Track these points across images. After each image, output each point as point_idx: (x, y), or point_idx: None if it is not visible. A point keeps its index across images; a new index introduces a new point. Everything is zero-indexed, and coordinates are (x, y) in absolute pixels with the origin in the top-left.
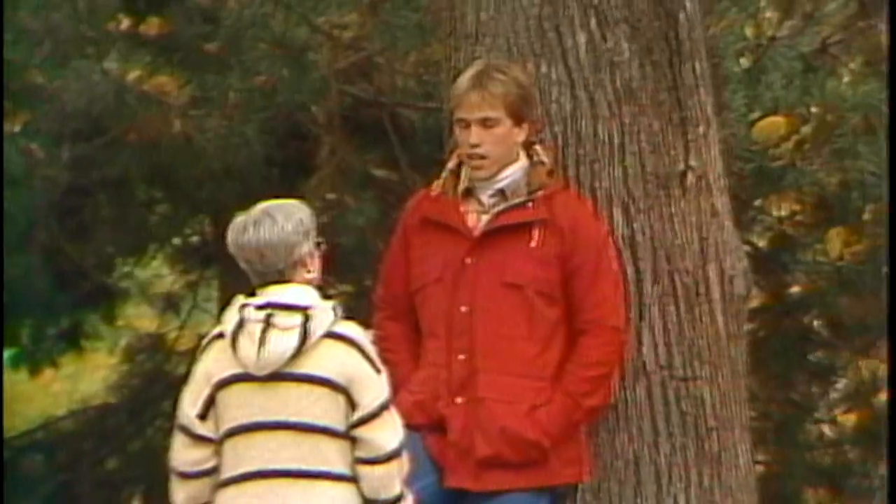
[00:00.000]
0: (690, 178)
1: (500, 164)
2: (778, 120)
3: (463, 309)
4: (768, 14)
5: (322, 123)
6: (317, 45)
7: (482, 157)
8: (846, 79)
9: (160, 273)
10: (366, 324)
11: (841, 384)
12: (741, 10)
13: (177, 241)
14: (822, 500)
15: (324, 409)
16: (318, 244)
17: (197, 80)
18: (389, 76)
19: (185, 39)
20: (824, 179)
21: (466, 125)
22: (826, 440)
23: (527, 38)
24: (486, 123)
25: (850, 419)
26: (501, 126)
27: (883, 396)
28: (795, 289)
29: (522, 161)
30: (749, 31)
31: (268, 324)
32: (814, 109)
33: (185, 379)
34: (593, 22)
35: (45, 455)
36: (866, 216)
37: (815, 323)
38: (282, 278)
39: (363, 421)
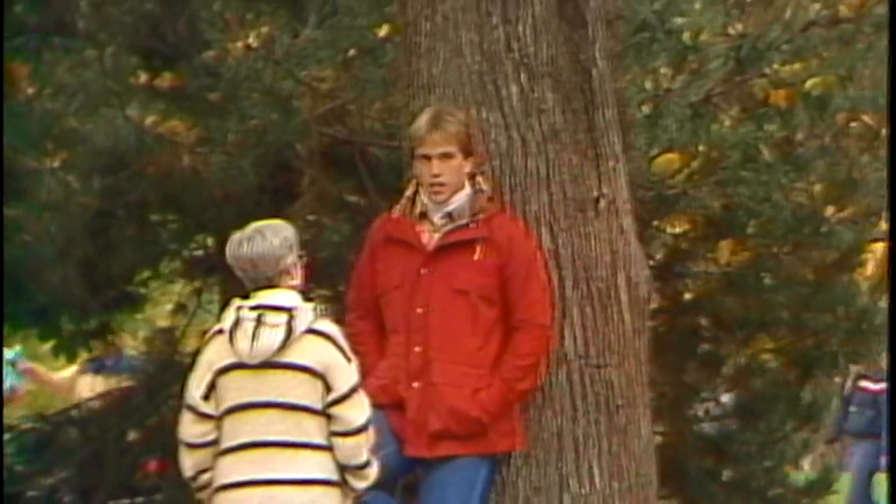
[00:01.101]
0: (602, 203)
1: (453, 191)
2: (673, 156)
3: (419, 310)
4: (663, 70)
5: (304, 158)
6: (300, 95)
7: (441, 185)
8: (727, 123)
9: (172, 280)
10: (340, 321)
11: (724, 370)
12: (642, 67)
13: (185, 254)
14: (707, 464)
15: (305, 391)
16: (300, 257)
17: (202, 124)
18: (359, 120)
19: (193, 90)
20: (710, 203)
21: (428, 159)
22: (711, 415)
23: (470, 90)
24: (444, 157)
25: (731, 398)
26: (456, 159)
27: (759, 380)
28: (687, 294)
29: (467, 189)
30: (648, 84)
31: (259, 322)
32: (701, 148)
33: (191, 367)
34: (523, 76)
35: (79, 429)
36: (750, 230)
37: (704, 321)
38: (271, 284)
39: (337, 401)
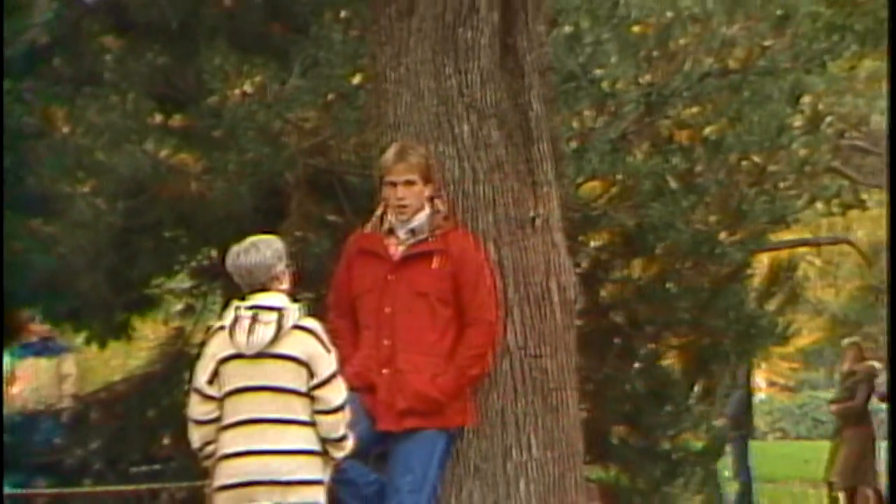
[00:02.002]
0: (538, 222)
1: (414, 212)
2: (595, 184)
3: (387, 310)
4: (587, 112)
5: (292, 185)
6: (288, 132)
7: (405, 207)
8: (639, 156)
9: (182, 285)
10: (321, 319)
11: (636, 361)
12: (569, 109)
13: (193, 263)
14: (623, 433)
15: (292, 377)
16: (288, 266)
17: (207, 156)
18: (338, 153)
19: (199, 129)
20: (626, 223)
21: (394, 185)
22: (626, 395)
23: (429, 128)
24: (407, 184)
25: (642, 384)
26: (417, 185)
27: (665, 369)
28: (607, 298)
29: (427, 210)
30: (575, 124)
31: (254, 319)
32: (619, 177)
33: (198, 357)
34: (473, 117)
35: (107, 408)
36: (658, 250)
37: (620, 320)
38: (264, 288)
39: (319, 385)
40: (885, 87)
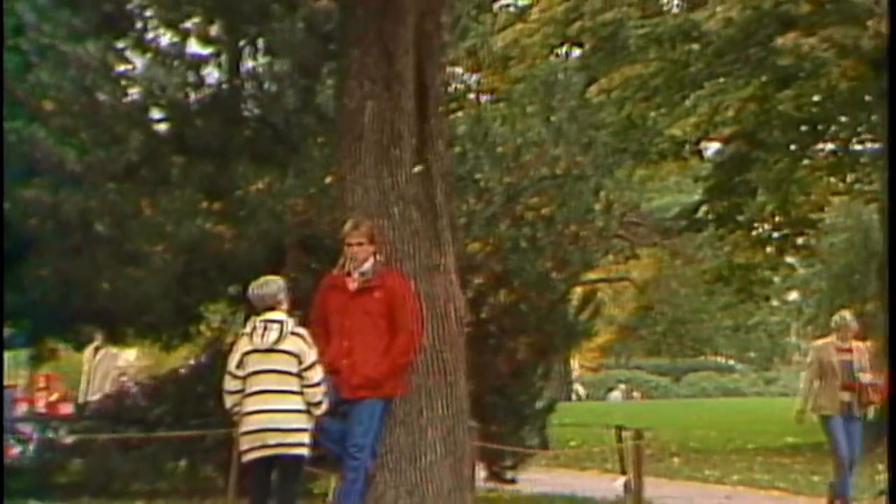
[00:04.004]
0: (441, 268)
1: (364, 261)
2: (477, 244)
3: (347, 323)
4: (471, 200)
5: (289, 246)
6: (286, 213)
7: (358, 258)
8: (503, 227)
9: (221, 308)
10: (307, 328)
11: (503, 354)
12: (460, 198)
13: (228, 293)
14: (493, 399)
15: (289, 364)
16: (286, 294)
17: (235, 227)
18: (318, 226)
19: (231, 210)
20: (496, 268)
21: (351, 245)
22: (496, 375)
23: (374, 210)
24: (360, 244)
25: (505, 368)
26: (366, 245)
27: (518, 358)
28: (484, 315)
29: (372, 260)
30: (464, 207)
31: (265, 327)
32: (491, 240)
33: (230, 352)
34: (401, 203)
35: (175, 384)
36: (515, 285)
37: (493, 329)
38: (271, 308)
39: (305, 369)
40: (670, 179)
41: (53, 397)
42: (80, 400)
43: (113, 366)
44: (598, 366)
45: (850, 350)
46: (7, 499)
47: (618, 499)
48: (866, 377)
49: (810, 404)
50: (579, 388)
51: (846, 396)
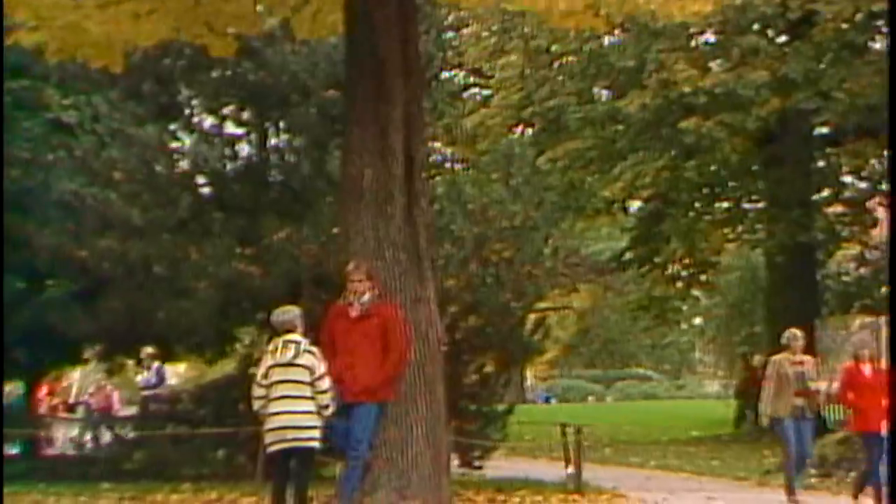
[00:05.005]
0: (423, 299)
1: (363, 294)
2: (452, 281)
3: (350, 343)
4: (448, 246)
5: (305, 283)
6: (302, 256)
7: (358, 292)
8: (472, 268)
9: (251, 331)
10: (318, 346)
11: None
12: (440, 245)
13: (257, 318)
14: (465, 402)
15: (304, 375)
16: (302, 320)
17: (264, 269)
18: (327, 270)
19: (261, 256)
20: (467, 300)
21: (353, 282)
22: (467, 384)
23: (371, 255)
24: (359, 281)
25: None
26: (364, 282)
27: (484, 370)
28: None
29: (369, 293)
30: (442, 252)
31: (285, 346)
32: (462, 278)
33: (257, 365)
34: (392, 248)
35: (213, 391)
36: (482, 311)
37: (465, 347)
38: (289, 331)
39: (316, 379)
40: (602, 230)
41: (54, 402)
42: (70, 401)
43: (95, 378)
44: (547, 376)
45: (801, 363)
46: (84, 482)
47: (562, 479)
48: (815, 385)
49: (769, 409)
50: (533, 394)
51: (799, 402)
